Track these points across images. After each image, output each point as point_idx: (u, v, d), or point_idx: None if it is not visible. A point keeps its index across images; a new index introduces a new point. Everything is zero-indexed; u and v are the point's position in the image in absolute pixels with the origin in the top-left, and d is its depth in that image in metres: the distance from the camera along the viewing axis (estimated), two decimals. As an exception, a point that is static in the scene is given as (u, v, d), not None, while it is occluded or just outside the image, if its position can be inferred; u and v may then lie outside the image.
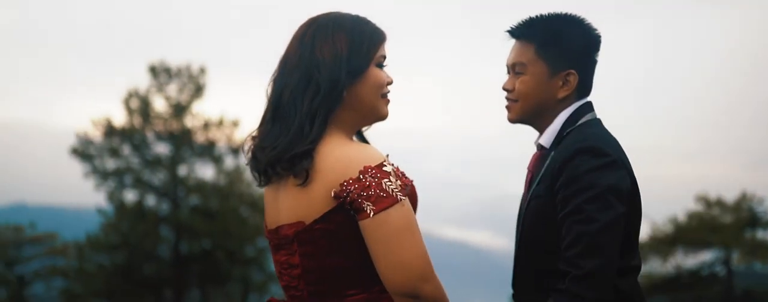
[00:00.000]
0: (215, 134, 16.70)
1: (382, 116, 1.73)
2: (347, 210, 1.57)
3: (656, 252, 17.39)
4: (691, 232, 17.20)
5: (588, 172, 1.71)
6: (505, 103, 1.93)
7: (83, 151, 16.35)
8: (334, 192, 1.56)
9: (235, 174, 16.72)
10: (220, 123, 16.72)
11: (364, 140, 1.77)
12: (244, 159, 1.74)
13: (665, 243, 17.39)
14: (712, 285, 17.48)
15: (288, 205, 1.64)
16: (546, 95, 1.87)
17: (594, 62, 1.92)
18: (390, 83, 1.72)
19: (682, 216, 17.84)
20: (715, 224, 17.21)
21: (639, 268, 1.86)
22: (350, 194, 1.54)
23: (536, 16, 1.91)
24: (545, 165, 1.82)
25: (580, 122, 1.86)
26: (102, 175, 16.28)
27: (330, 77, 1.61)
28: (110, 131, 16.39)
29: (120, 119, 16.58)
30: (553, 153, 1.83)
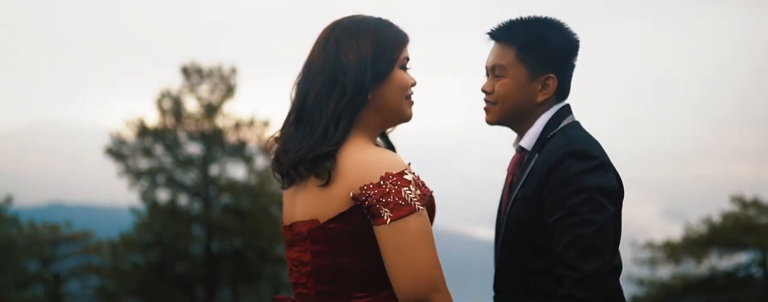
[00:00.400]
0: (246, 134, 16.84)
1: (407, 118, 1.73)
2: (363, 214, 1.58)
3: (690, 253, 17.11)
4: (726, 233, 16.89)
5: (578, 175, 1.72)
6: (483, 104, 1.94)
7: (117, 151, 16.60)
8: (353, 195, 1.57)
9: (266, 174, 16.83)
10: (251, 123, 16.85)
11: (389, 142, 1.78)
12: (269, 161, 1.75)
13: (699, 244, 17.11)
14: (748, 287, 17.15)
15: (305, 203, 1.65)
16: (525, 98, 1.88)
17: (572, 67, 1.93)
18: (414, 84, 1.72)
19: (717, 217, 17.54)
20: (751, 225, 16.88)
21: (621, 268, 1.87)
22: (369, 199, 1.55)
23: (517, 19, 1.92)
24: (530, 168, 1.83)
25: (561, 124, 1.87)
26: (135, 174, 16.51)
27: (355, 79, 1.62)
28: (143, 131, 16.62)
29: (153, 119, 16.83)
30: (537, 156, 1.83)
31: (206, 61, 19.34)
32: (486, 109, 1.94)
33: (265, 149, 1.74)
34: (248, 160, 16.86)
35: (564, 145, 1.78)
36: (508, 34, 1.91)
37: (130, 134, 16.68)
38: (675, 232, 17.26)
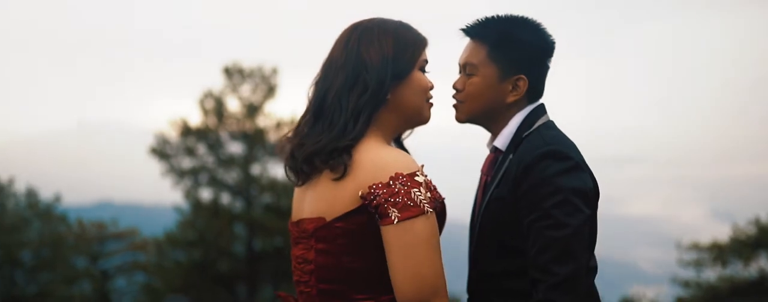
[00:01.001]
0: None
1: (425, 120, 1.74)
2: (370, 213, 1.57)
3: (738, 255, 16.70)
4: (776, 234, 16.44)
5: (554, 176, 1.68)
6: (453, 102, 1.91)
7: (161, 151, 16.88)
8: (362, 193, 1.56)
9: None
10: (292, 123, 16.90)
11: (401, 146, 1.78)
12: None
13: (748, 246, 16.68)
14: (799, 290, 16.67)
15: (314, 200, 1.65)
16: (494, 98, 1.85)
17: (546, 68, 1.89)
18: (432, 87, 1.73)
19: (766, 218, 17.08)
20: (803, 226, 16.40)
21: (596, 269, 1.82)
22: (377, 198, 1.54)
23: (492, 17, 1.88)
24: (504, 168, 1.79)
25: (536, 124, 1.83)
26: (178, 174, 16.75)
27: (377, 76, 1.63)
28: (186, 131, 16.86)
29: (195, 119, 17.07)
30: (511, 156, 1.80)
31: (248, 62, 19.52)
32: (455, 107, 1.90)
33: (277, 149, 1.74)
34: (289, 159, 16.93)
35: (540, 145, 1.74)
36: (481, 31, 1.87)
37: (173, 134, 16.96)
38: (722, 233, 16.86)
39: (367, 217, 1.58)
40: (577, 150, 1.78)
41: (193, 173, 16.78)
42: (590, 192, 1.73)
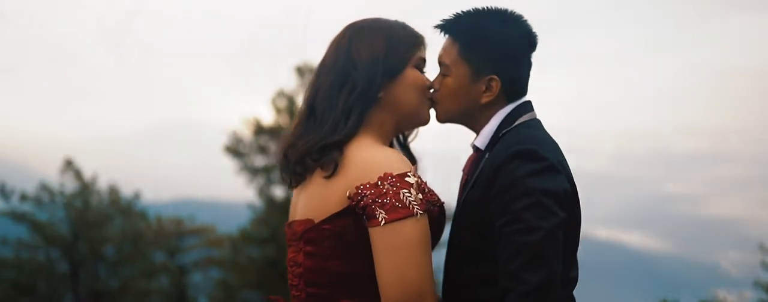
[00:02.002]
0: (358, 132, 17.01)
1: (423, 121, 1.67)
2: (358, 215, 1.51)
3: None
4: None
5: (524, 177, 1.56)
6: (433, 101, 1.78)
7: (235, 149, 17.23)
8: (349, 194, 1.51)
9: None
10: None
11: (405, 148, 1.72)
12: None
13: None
14: None
15: (305, 201, 1.60)
16: (468, 99, 1.73)
17: (526, 64, 1.75)
18: (430, 86, 1.66)
19: None
20: None
21: (576, 280, 1.69)
22: (364, 199, 1.48)
23: (465, 12, 1.75)
24: (480, 168, 1.68)
25: (516, 122, 1.71)
26: (252, 172, 17.08)
27: (366, 75, 1.58)
28: (259, 129, 17.16)
29: (268, 118, 17.35)
30: (487, 155, 1.68)
31: (319, 62, 19.71)
32: (433, 107, 1.79)
33: (279, 150, 1.69)
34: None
35: (513, 144, 1.64)
36: (453, 28, 1.75)
37: (247, 133, 17.28)
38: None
39: (355, 218, 1.52)
40: (555, 150, 1.66)
41: (266, 171, 17.06)
42: (565, 194, 1.59)
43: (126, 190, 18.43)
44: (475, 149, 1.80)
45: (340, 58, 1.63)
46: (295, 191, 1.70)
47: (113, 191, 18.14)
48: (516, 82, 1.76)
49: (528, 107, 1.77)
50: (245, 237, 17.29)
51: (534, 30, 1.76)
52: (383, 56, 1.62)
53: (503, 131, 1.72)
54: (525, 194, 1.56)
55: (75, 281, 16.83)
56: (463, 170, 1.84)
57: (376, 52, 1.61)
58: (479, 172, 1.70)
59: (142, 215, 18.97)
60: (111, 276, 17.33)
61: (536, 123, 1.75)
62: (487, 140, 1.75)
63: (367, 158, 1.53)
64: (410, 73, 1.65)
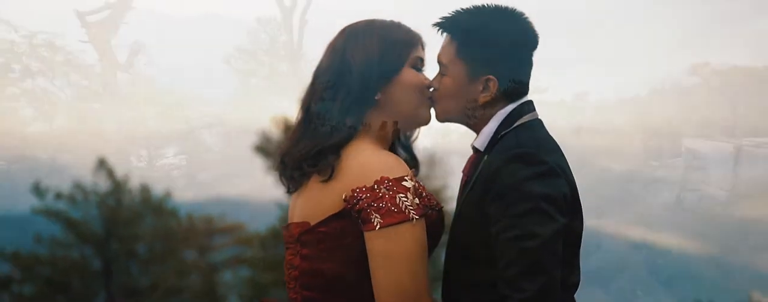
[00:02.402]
0: (386, 131, 17.06)
1: (422, 120, 1.65)
2: (353, 218, 1.49)
3: None
4: None
5: (523, 181, 1.52)
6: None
7: (264, 147, 17.37)
8: (345, 197, 1.49)
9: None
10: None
11: (408, 149, 1.70)
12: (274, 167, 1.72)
13: None
14: None
15: (302, 204, 1.59)
16: (466, 99, 1.69)
17: (526, 64, 1.70)
18: (429, 86, 1.64)
19: None
20: None
21: (577, 285, 1.64)
22: (360, 203, 1.47)
23: (463, 10, 1.71)
24: (478, 170, 1.63)
25: (516, 123, 1.66)
26: (281, 170, 17.24)
27: (361, 77, 1.57)
28: (288, 128, 17.27)
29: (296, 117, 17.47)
30: (486, 157, 1.64)
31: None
32: (432, 106, 1.76)
33: (276, 157, 1.68)
34: (388, 156, 17.07)
35: (512, 147, 1.60)
36: (450, 26, 1.72)
37: (275, 131, 17.41)
38: None
39: (349, 222, 1.51)
40: (555, 153, 1.62)
41: (295, 170, 17.20)
42: (564, 199, 1.55)
43: (157, 189, 18.68)
44: (475, 150, 1.77)
45: (335, 62, 1.62)
46: (293, 196, 1.70)
47: (144, 190, 18.38)
48: (515, 82, 1.73)
49: (529, 107, 1.74)
50: (274, 236, 17.41)
51: (535, 28, 1.73)
52: (378, 58, 1.60)
53: (502, 133, 1.70)
54: (523, 198, 1.52)
55: (108, 278, 17.11)
56: (463, 171, 1.81)
57: (371, 54, 1.60)
58: (478, 174, 1.67)
59: (174, 213, 19.20)
60: (143, 274, 17.56)
61: (537, 124, 1.72)
62: (486, 142, 1.72)
63: (364, 162, 1.52)
64: (407, 73, 1.63)
